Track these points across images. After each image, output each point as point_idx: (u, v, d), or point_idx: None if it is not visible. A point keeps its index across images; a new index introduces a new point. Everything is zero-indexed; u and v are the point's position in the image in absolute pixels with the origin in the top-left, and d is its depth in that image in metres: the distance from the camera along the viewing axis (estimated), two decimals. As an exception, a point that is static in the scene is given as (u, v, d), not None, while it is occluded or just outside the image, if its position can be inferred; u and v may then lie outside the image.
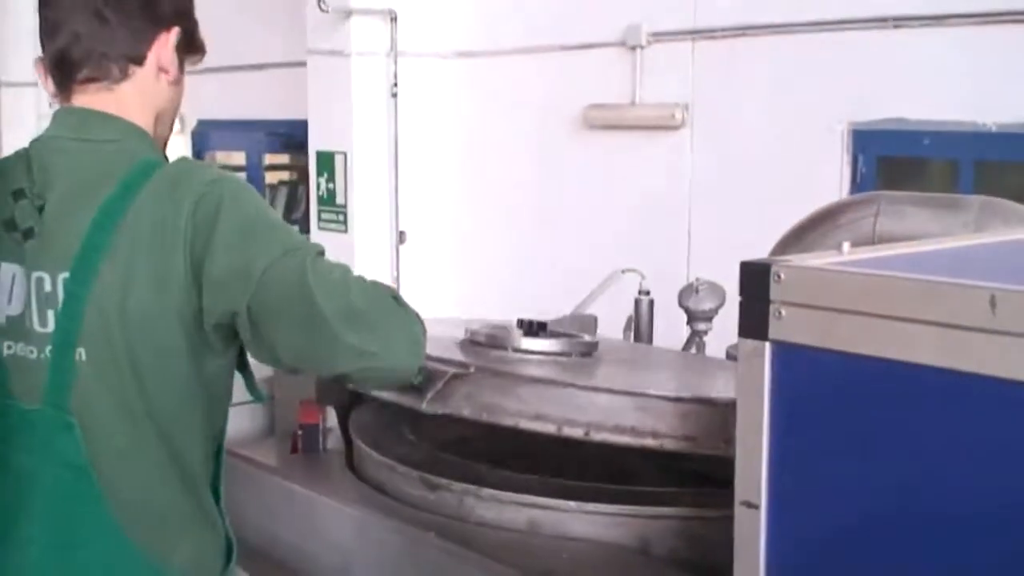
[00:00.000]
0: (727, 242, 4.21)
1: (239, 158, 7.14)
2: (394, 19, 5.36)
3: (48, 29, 1.58)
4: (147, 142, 1.60)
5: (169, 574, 1.56)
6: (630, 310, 2.64)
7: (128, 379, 1.49)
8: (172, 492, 1.57)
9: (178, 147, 7.32)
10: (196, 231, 1.46)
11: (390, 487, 1.93)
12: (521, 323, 2.09)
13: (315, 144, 5.57)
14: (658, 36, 4.71)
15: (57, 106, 1.60)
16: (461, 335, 2.06)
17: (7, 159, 1.60)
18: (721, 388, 1.83)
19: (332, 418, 2.20)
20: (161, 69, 1.61)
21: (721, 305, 2.41)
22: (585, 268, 4.35)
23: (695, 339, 2.43)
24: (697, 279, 2.42)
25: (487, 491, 1.78)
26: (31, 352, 1.51)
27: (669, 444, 1.70)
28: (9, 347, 1.53)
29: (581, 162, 5.06)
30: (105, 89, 1.57)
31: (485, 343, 1.99)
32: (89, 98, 1.57)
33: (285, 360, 1.54)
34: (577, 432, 1.71)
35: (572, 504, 1.72)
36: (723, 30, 4.47)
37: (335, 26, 5.41)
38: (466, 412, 1.78)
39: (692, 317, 2.43)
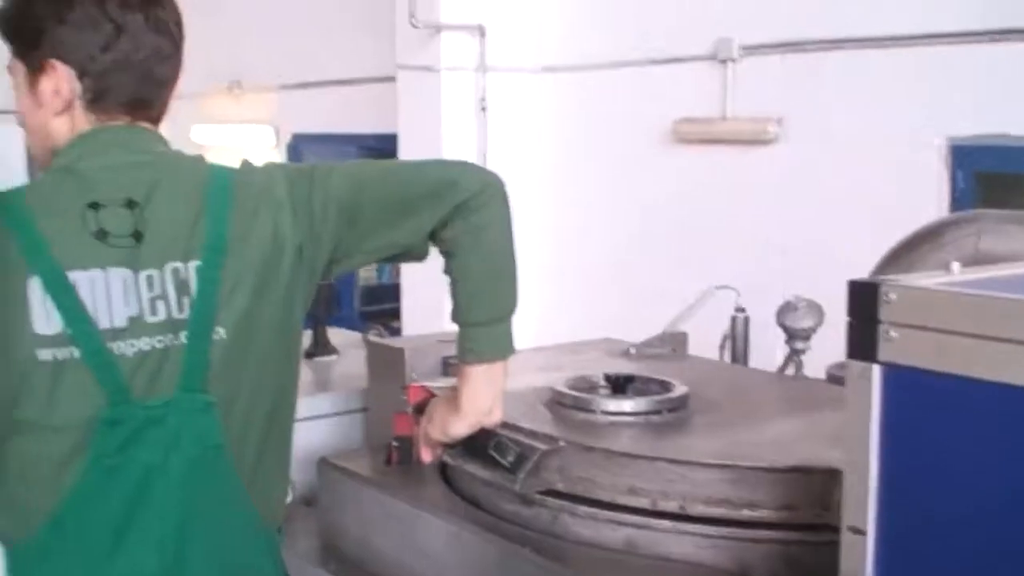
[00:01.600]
0: (821, 258, 4.16)
1: (330, 171, 7.24)
2: (483, 34, 5.40)
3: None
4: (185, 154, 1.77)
5: (275, 539, 1.78)
6: (720, 326, 2.62)
7: (262, 351, 1.67)
8: (281, 458, 1.78)
9: (275, 159, 7.45)
10: (295, 198, 1.70)
11: (485, 501, 1.94)
12: (608, 378, 2.09)
13: (405, 157, 5.61)
14: (749, 49, 4.68)
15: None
16: (542, 388, 2.06)
17: (55, 181, 1.66)
18: (826, 433, 1.81)
19: (426, 431, 2.21)
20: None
21: (820, 323, 2.38)
22: (674, 284, 4.32)
23: (793, 358, 2.40)
24: (795, 296, 2.39)
25: (583, 508, 1.78)
26: (158, 343, 1.60)
27: (766, 515, 1.68)
28: (132, 345, 1.59)
29: (670, 176, 5.04)
30: (152, 123, 1.74)
31: (571, 405, 1.99)
32: (129, 119, 1.70)
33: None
34: (671, 506, 1.72)
35: (670, 524, 1.71)
36: (815, 43, 4.42)
37: (425, 41, 5.46)
38: (560, 487, 1.80)
39: (791, 335, 2.39)
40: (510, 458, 1.79)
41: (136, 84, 1.68)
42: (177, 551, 1.63)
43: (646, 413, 1.97)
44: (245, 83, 7.69)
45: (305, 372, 2.75)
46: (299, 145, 7.28)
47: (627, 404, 1.98)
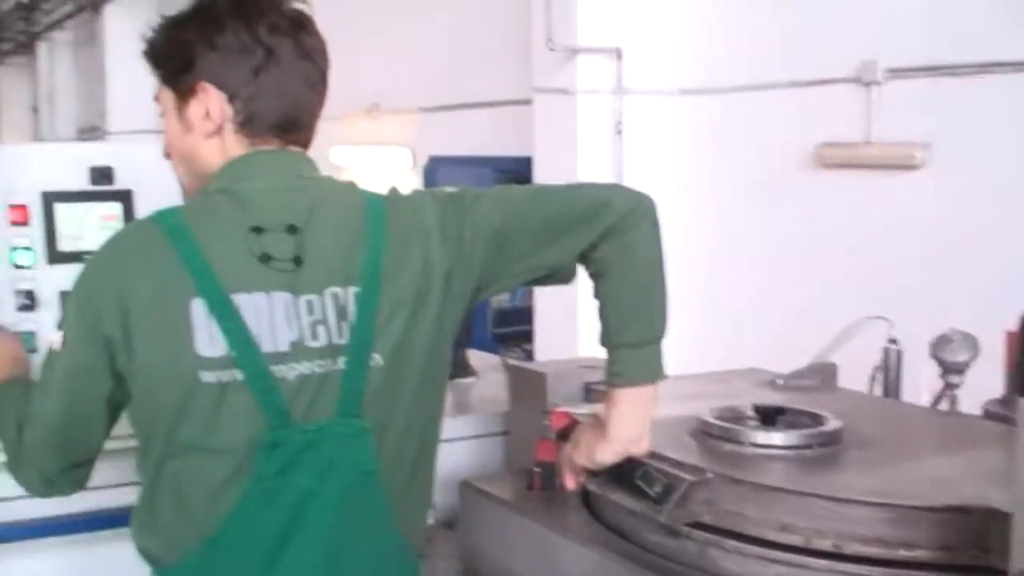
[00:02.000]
0: (970, 289, 4.03)
1: (465, 193, 7.30)
2: (620, 57, 5.38)
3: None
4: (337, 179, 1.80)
5: (418, 565, 1.80)
6: (867, 357, 2.54)
7: (415, 377, 1.70)
8: (427, 484, 1.81)
9: (411, 181, 7.55)
10: (447, 224, 1.72)
11: (628, 530, 1.91)
12: (758, 410, 2.04)
13: (540, 180, 5.62)
14: (895, 72, 4.56)
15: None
16: (688, 417, 2.02)
17: (214, 202, 1.68)
18: (985, 471, 1.74)
19: (567, 457, 2.20)
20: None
21: (975, 357, 2.29)
22: (816, 313, 4.24)
23: (946, 392, 2.31)
24: (951, 329, 2.31)
25: (731, 543, 1.73)
26: (318, 367, 1.63)
27: (923, 555, 1.62)
28: (294, 368, 1.61)
29: (812, 201, 4.94)
30: (301, 148, 1.76)
31: (719, 436, 1.95)
32: (279, 143, 1.73)
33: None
34: (826, 544, 1.66)
35: (824, 563, 1.65)
36: (965, 67, 4.28)
37: (562, 64, 5.47)
38: (707, 520, 1.76)
39: (945, 369, 2.31)
40: (657, 488, 1.76)
41: (285, 108, 1.71)
42: (329, 575, 1.65)
43: (797, 447, 1.92)
44: (383, 106, 7.82)
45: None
46: (435, 167, 7.36)
47: (778, 437, 1.93)
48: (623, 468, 1.83)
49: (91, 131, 12.42)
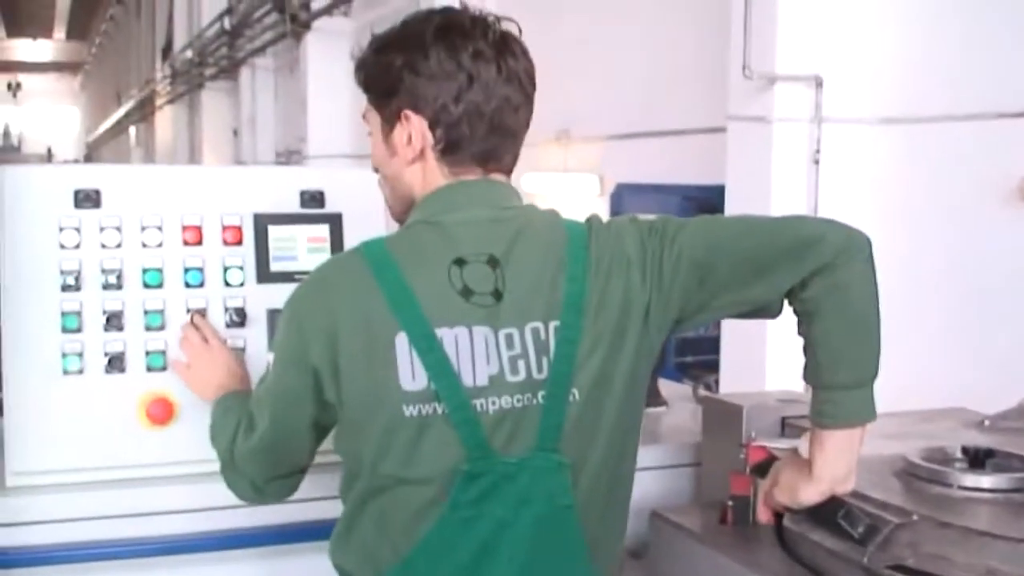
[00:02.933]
0: None
1: (653, 221, 7.28)
2: (820, 84, 5.27)
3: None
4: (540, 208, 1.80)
5: None
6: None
7: (612, 412, 1.68)
8: (622, 518, 1.81)
9: (598, 208, 7.57)
10: (647, 252, 1.70)
11: (827, 570, 1.85)
12: (966, 451, 1.97)
13: (732, 209, 5.54)
14: (1108, 104, 4.33)
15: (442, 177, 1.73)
16: (893, 456, 1.96)
17: (418, 233, 1.70)
18: None
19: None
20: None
21: None
22: (1020, 354, 4.05)
23: None
24: None
25: (939, 587, 1.67)
26: (517, 402, 1.63)
27: None
28: (494, 403, 1.63)
29: (1014, 236, 4.73)
30: (504, 175, 1.76)
31: (925, 478, 1.88)
32: (481, 170, 1.73)
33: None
34: None
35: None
36: None
37: (758, 92, 5.39)
38: (911, 563, 1.71)
39: None
40: (860, 529, 1.72)
41: (487, 134, 1.70)
42: None
43: (1007, 491, 1.84)
44: (573, 133, 7.87)
45: (634, 422, 2.74)
46: (623, 194, 7.36)
47: (987, 480, 1.86)
48: (824, 506, 1.79)
49: (290, 155, 12.88)
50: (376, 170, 1.83)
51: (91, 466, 2.20)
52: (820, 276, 1.66)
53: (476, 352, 1.62)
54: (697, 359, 6.84)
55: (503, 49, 1.70)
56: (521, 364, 1.63)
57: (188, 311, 2.24)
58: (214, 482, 2.00)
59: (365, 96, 1.80)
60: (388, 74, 1.71)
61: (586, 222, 1.75)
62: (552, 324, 1.64)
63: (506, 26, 1.74)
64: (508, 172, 1.77)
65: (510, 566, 1.64)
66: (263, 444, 1.78)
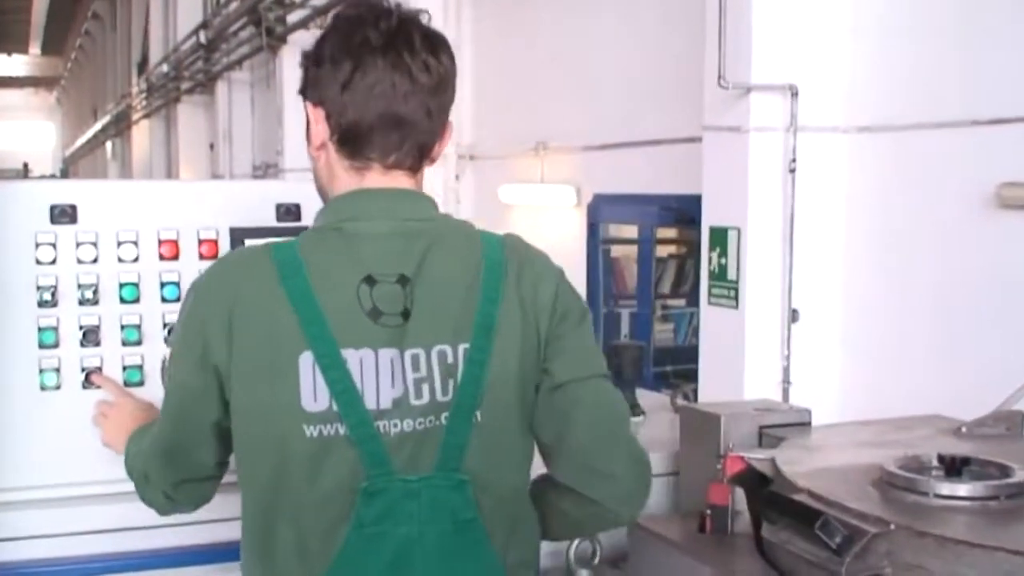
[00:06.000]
0: None
1: (630, 231, 7.29)
2: (795, 94, 5.30)
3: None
4: (454, 220, 1.76)
5: None
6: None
7: (512, 433, 1.68)
8: (533, 532, 1.77)
9: (573, 219, 7.58)
10: (553, 312, 1.69)
11: (804, 578, 1.86)
12: (942, 459, 1.99)
13: (708, 219, 5.57)
14: (1082, 110, 4.37)
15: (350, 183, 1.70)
16: (870, 465, 1.97)
17: (329, 245, 1.65)
18: None
19: (740, 500, 2.16)
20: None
21: None
22: (999, 359, 4.08)
23: None
24: None
25: (915, 594, 1.68)
26: (419, 425, 1.61)
27: None
28: (395, 425, 1.60)
29: (992, 245, 4.76)
30: (409, 175, 1.72)
31: (902, 487, 1.89)
32: (394, 180, 1.70)
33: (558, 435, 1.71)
34: None
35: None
36: None
37: (733, 102, 5.41)
38: (888, 572, 1.73)
39: None
40: (837, 539, 1.73)
41: (376, 124, 1.67)
42: None
43: (983, 499, 1.85)
44: (551, 144, 7.89)
45: (613, 432, 2.74)
46: (600, 205, 7.38)
47: (963, 488, 1.87)
48: (802, 516, 1.80)
49: (267, 168, 12.84)
50: None
51: (71, 481, 2.19)
52: (587, 503, 1.72)
53: (381, 374, 1.60)
54: (675, 368, 6.86)
55: (394, 37, 1.66)
56: (425, 387, 1.61)
57: (85, 370, 2.20)
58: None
59: None
60: (304, 70, 1.73)
61: (504, 242, 1.73)
62: (461, 346, 1.63)
63: (422, 18, 1.71)
64: (414, 172, 1.73)
65: None
66: (164, 444, 1.74)
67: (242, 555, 1.74)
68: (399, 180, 1.71)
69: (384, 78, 1.64)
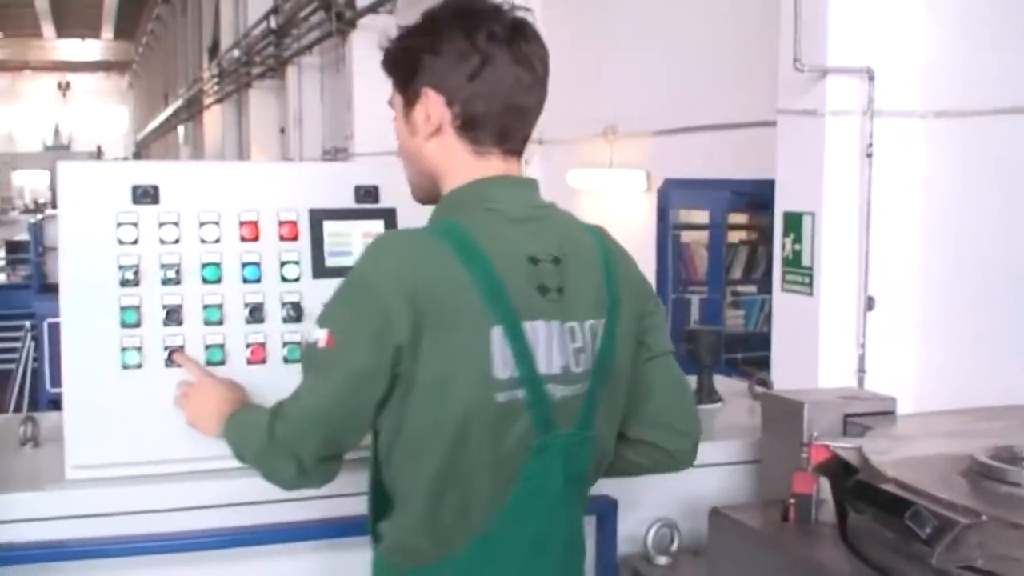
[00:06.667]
0: None
1: (701, 216, 7.21)
2: (872, 77, 5.20)
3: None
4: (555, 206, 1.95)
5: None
6: None
7: (621, 396, 1.91)
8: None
9: (642, 204, 7.53)
10: (644, 291, 1.97)
11: (893, 570, 1.82)
12: None
13: (782, 204, 5.49)
14: None
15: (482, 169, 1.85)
16: (958, 455, 1.91)
17: (494, 225, 1.80)
18: None
19: (823, 489, 2.12)
20: None
21: None
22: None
23: None
24: None
25: (1010, 588, 1.64)
26: (574, 390, 1.81)
27: None
28: (560, 390, 1.79)
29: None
30: (518, 160, 1.90)
31: (994, 477, 1.84)
32: (511, 166, 1.87)
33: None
34: None
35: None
36: None
37: (809, 85, 5.33)
38: (980, 564, 1.68)
39: None
40: (928, 529, 1.68)
41: (500, 111, 1.82)
42: (564, 562, 1.88)
43: None
44: (620, 128, 7.83)
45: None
46: (670, 190, 7.31)
47: None
48: (891, 506, 1.76)
49: (336, 153, 12.92)
50: (399, 155, 1.94)
51: (150, 460, 2.21)
52: (659, 455, 1.99)
53: (552, 345, 1.77)
54: (745, 355, 6.80)
55: (516, 33, 1.82)
56: (581, 357, 1.81)
57: (168, 349, 2.23)
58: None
59: (392, 83, 1.91)
60: (409, 57, 1.85)
61: (596, 228, 1.94)
62: (600, 321, 1.83)
63: (519, 13, 1.86)
64: (519, 154, 1.89)
65: (562, 527, 1.85)
66: (322, 418, 1.78)
67: (397, 524, 1.83)
68: (513, 166, 1.88)
69: (511, 71, 1.80)
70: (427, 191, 1.92)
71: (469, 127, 1.82)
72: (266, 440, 1.82)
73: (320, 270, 2.33)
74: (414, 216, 2.34)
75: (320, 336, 1.75)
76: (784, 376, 5.47)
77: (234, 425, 1.96)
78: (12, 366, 9.10)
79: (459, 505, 1.76)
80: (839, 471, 2.02)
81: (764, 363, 5.86)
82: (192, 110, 26.76)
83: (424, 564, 1.80)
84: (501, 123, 1.83)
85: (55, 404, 7.44)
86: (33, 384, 8.52)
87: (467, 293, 1.71)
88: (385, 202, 2.38)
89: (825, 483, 2.08)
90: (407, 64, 1.85)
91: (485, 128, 1.82)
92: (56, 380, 7.77)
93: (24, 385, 8.73)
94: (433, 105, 1.82)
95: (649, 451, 1.97)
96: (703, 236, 7.28)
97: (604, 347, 1.84)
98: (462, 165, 1.84)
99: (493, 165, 1.85)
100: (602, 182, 8.01)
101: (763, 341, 5.98)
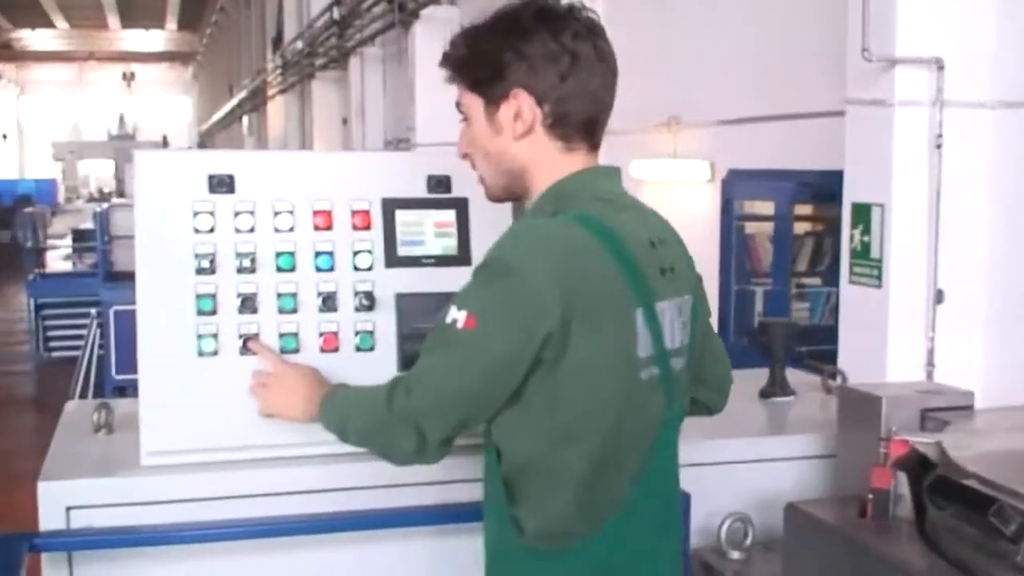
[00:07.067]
0: None
1: (765, 207, 7.13)
2: (941, 68, 5.12)
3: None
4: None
5: None
6: None
7: (690, 375, 1.98)
8: None
9: (706, 195, 7.48)
10: (696, 273, 2.05)
11: (974, 567, 1.79)
12: None
13: (851, 195, 5.40)
14: None
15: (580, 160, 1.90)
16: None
17: (622, 214, 1.86)
18: None
19: (901, 485, 2.09)
20: None
21: None
22: None
23: None
24: None
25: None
26: (682, 363, 1.91)
27: None
28: (678, 363, 1.89)
29: None
30: (593, 140, 1.92)
31: None
32: (594, 159, 1.92)
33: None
34: None
35: None
36: None
37: (878, 75, 5.25)
38: None
39: None
40: (1012, 526, 1.66)
41: (588, 108, 1.86)
42: (679, 529, 2.00)
43: None
44: (684, 118, 7.77)
45: (760, 412, 2.70)
46: (734, 181, 7.23)
47: None
48: (973, 502, 1.73)
49: (399, 143, 12.95)
50: (464, 156, 1.94)
51: (225, 446, 2.23)
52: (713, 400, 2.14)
53: (674, 321, 1.87)
54: (811, 348, 6.72)
55: (594, 31, 1.86)
56: (687, 332, 1.92)
57: (243, 336, 2.25)
58: (349, 462, 2.00)
59: (459, 83, 1.91)
60: (492, 58, 1.85)
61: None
62: (689, 297, 1.94)
63: (588, 13, 1.88)
64: (598, 146, 1.93)
65: (676, 490, 1.96)
66: (457, 399, 1.79)
67: (544, 510, 1.82)
68: (595, 159, 1.92)
69: (598, 70, 1.85)
70: (507, 189, 1.92)
71: (560, 125, 1.85)
72: (384, 414, 1.82)
73: (392, 259, 2.33)
74: (487, 206, 2.34)
75: (458, 317, 1.75)
76: (852, 369, 5.39)
77: (335, 403, 1.97)
78: (78, 353, 9.23)
79: (610, 484, 1.80)
80: (919, 466, 2.00)
81: (828, 356, 5.78)
82: (256, 101, 26.96)
83: (571, 545, 1.80)
84: (589, 120, 1.86)
85: (120, 391, 7.58)
86: (99, 371, 8.63)
87: (613, 278, 1.76)
88: (457, 191, 2.38)
89: (903, 478, 2.05)
90: (491, 65, 1.85)
91: (575, 125, 1.86)
92: (121, 367, 7.88)
93: (90, 372, 8.85)
94: (526, 105, 1.84)
95: (693, 407, 2.06)
96: (767, 227, 7.19)
97: (694, 321, 1.95)
98: (552, 162, 1.87)
99: (581, 159, 1.88)
100: (666, 173, 7.95)
101: (828, 334, 5.90)
